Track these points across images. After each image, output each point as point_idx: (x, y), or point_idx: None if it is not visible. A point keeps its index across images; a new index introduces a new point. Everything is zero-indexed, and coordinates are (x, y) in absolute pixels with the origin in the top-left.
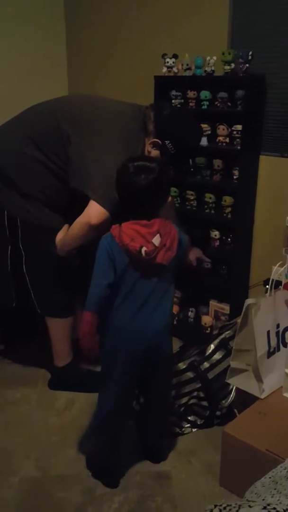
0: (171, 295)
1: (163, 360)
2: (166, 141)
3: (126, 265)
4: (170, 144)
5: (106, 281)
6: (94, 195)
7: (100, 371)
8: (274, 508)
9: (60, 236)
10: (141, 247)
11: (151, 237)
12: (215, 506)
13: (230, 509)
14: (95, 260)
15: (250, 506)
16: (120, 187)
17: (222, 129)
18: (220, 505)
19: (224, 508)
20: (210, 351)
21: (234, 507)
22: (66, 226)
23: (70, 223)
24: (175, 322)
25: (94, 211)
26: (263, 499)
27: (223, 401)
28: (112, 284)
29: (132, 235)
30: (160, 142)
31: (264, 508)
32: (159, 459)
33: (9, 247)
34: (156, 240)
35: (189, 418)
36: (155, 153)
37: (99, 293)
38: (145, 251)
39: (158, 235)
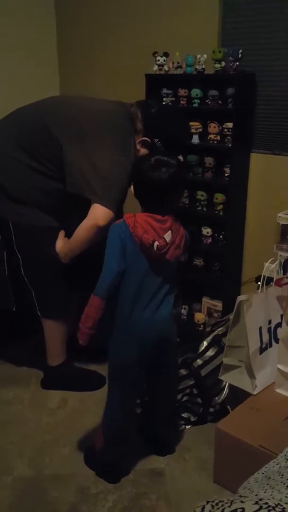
0: (173, 289)
1: (171, 349)
2: (155, 139)
3: (136, 256)
4: (159, 142)
5: (118, 268)
6: (97, 198)
7: (111, 366)
8: (266, 503)
9: (60, 244)
10: (154, 241)
11: (164, 233)
12: (207, 502)
13: (222, 505)
14: (106, 246)
15: (242, 502)
16: (140, 181)
17: (213, 127)
18: (212, 501)
19: (216, 504)
20: (203, 348)
21: (226, 503)
22: (62, 232)
23: (62, 224)
24: None
25: (100, 213)
26: (256, 495)
27: (216, 398)
28: (122, 272)
29: (145, 227)
30: (149, 140)
31: (256, 503)
32: (167, 452)
33: (5, 252)
34: (168, 236)
35: (182, 415)
36: (144, 151)
37: (111, 280)
38: (157, 245)
39: (169, 232)
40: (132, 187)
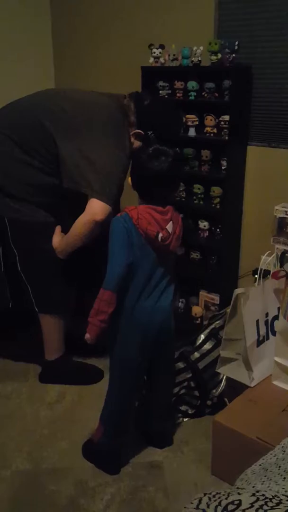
0: (173, 280)
1: (170, 340)
2: (148, 132)
3: (143, 248)
4: (152, 135)
5: (127, 260)
6: (94, 193)
7: (114, 357)
8: (263, 495)
9: (56, 239)
10: (158, 232)
11: (165, 224)
12: (205, 494)
13: (219, 497)
14: (110, 239)
15: (239, 494)
16: (139, 171)
17: (209, 120)
18: (210, 494)
19: (213, 496)
20: (200, 341)
21: (223, 495)
22: (58, 227)
23: (58, 219)
24: None
25: (97, 208)
26: (253, 486)
27: (214, 391)
28: (130, 264)
29: (148, 219)
30: (142, 133)
31: (253, 495)
32: (165, 444)
33: (0, 248)
34: (170, 227)
35: (180, 408)
36: (137, 144)
37: (120, 272)
38: (161, 237)
39: (171, 223)
40: (129, 179)
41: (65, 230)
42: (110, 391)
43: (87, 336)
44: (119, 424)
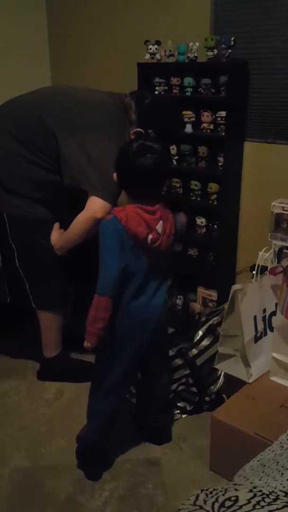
0: (167, 275)
1: (164, 336)
2: (149, 130)
3: (134, 250)
4: (153, 133)
5: (120, 263)
6: (94, 190)
7: (105, 352)
8: (260, 491)
9: (55, 236)
10: (147, 234)
11: (155, 224)
12: (202, 491)
13: (216, 493)
14: (101, 244)
15: (236, 490)
16: (125, 168)
17: (206, 116)
18: (207, 490)
19: (211, 492)
20: (198, 337)
21: (221, 491)
22: (57, 224)
23: (57, 216)
24: None
25: (97, 205)
26: (251, 482)
27: (212, 387)
28: (124, 268)
29: (137, 220)
30: (143, 131)
31: (250, 491)
32: (163, 441)
33: None
34: (160, 227)
35: (178, 404)
36: None
37: (114, 277)
38: (151, 239)
39: (161, 222)
40: (115, 175)
41: (64, 227)
42: (95, 387)
43: (87, 345)
44: (104, 420)
